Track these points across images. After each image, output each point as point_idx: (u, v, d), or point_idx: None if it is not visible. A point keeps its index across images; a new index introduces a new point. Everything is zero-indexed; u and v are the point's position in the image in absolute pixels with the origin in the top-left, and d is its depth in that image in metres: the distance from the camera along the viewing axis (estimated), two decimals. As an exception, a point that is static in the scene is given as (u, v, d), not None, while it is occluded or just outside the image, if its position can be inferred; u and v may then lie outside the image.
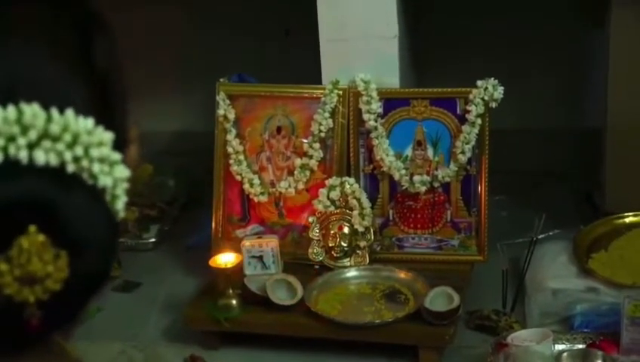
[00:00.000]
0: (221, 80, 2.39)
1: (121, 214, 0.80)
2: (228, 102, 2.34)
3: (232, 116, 2.34)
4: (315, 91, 2.31)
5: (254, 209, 2.40)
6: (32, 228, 0.69)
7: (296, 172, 2.32)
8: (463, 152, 2.19)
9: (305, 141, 2.32)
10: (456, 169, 2.22)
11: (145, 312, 2.32)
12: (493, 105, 2.18)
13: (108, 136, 0.76)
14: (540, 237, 2.18)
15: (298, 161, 2.31)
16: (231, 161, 2.35)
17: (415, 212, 2.30)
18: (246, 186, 2.35)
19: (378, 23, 2.33)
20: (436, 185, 2.26)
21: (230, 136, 2.33)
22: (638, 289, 1.94)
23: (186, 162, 2.90)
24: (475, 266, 2.25)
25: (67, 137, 0.74)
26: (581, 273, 2.13)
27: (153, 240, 2.63)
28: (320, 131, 2.28)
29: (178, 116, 3.23)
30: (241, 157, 2.34)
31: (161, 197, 2.77)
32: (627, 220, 2.32)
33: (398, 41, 2.33)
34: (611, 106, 2.45)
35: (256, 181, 2.34)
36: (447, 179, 2.24)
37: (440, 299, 2.03)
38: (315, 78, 2.37)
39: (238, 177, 2.36)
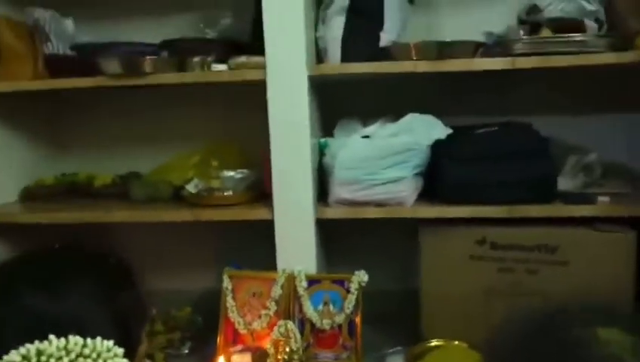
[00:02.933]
0: (226, 268, 3.02)
1: None
2: (229, 279, 3.00)
3: (230, 287, 2.99)
4: (273, 275, 2.95)
5: (240, 336, 2.97)
6: None
7: (262, 317, 2.94)
8: (348, 308, 2.91)
9: (268, 301, 2.95)
10: (344, 317, 2.92)
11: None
12: (363, 284, 2.91)
13: (120, 350, 0.95)
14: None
15: (263, 312, 2.94)
16: (228, 311, 2.97)
17: (324, 339, 2.93)
18: (236, 324, 2.97)
19: (303, 262, 2.98)
20: (335, 325, 2.93)
21: (229, 298, 2.98)
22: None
23: (205, 309, 3.27)
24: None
25: (94, 355, 0.94)
26: None
27: (187, 351, 3.17)
28: (275, 296, 2.93)
29: (198, 280, 3.72)
30: (234, 309, 2.99)
31: (192, 327, 3.27)
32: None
33: (315, 263, 3.01)
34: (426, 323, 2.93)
35: (242, 322, 2.96)
36: (340, 322, 2.91)
37: None
38: (274, 265, 2.98)
39: (232, 319, 2.97)
